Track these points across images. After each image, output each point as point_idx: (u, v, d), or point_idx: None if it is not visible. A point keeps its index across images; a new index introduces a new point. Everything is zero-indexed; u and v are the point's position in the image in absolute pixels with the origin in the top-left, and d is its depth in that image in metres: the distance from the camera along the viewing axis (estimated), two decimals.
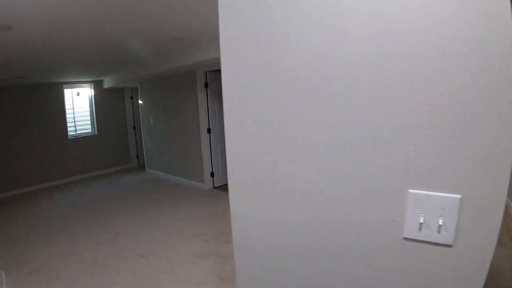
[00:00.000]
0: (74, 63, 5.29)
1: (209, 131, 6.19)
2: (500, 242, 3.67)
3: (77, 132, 7.71)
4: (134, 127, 8.64)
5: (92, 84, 7.76)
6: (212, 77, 6.05)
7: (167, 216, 5.13)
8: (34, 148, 6.94)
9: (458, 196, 0.84)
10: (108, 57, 5.05)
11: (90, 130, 7.95)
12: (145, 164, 8.20)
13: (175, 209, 5.44)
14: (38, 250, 4.17)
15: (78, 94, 7.72)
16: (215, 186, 6.50)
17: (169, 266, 3.65)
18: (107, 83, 7.61)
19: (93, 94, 7.80)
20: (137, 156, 8.85)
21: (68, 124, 7.48)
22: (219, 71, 6.01)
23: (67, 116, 7.46)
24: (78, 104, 7.74)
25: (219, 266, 3.64)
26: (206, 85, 5.97)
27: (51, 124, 7.11)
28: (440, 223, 0.86)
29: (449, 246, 0.87)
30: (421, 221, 0.88)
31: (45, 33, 3.18)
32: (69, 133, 7.51)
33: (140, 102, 7.73)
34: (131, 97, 8.46)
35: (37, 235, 4.65)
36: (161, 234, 4.47)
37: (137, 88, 8.09)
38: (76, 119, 7.69)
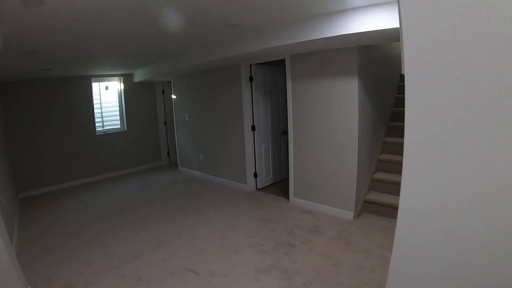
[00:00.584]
0: (107, 54, 4.83)
1: (253, 128, 5.66)
2: None
3: (105, 128, 7.27)
4: (165, 123, 8.17)
5: (121, 78, 7.32)
6: (257, 71, 5.52)
7: (211, 222, 4.63)
8: (61, 144, 6.56)
9: None
10: (146, 47, 4.58)
11: (119, 126, 7.51)
12: (178, 162, 7.73)
13: (219, 213, 4.93)
14: (70, 260, 3.73)
15: (106, 88, 7.28)
16: (258, 187, 5.97)
17: (227, 284, 3.14)
18: (138, 76, 7.15)
19: (122, 88, 7.35)
20: (168, 154, 8.39)
21: (96, 120, 7.03)
22: (265, 64, 5.47)
23: (95, 111, 7.02)
24: (106, 99, 7.29)
25: (286, 284, 3.12)
26: (251, 79, 5.43)
27: (78, 120, 6.70)
28: None
29: None
30: None
31: (80, 13, 2.71)
32: (97, 129, 7.06)
33: (173, 97, 7.25)
34: (163, 92, 7.98)
35: (66, 241, 4.22)
36: (209, 244, 3.96)
37: (169, 82, 7.61)
38: (103, 114, 7.25)
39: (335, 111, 4.42)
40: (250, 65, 5.40)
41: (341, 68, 4.23)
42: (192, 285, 3.12)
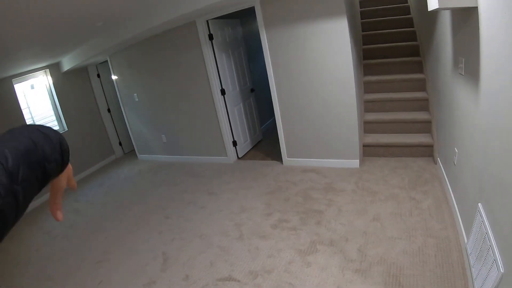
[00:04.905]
0: (21, 43, 3.80)
1: (223, 92, 4.99)
2: None
3: None
4: (108, 110, 7.15)
5: (47, 70, 6.11)
6: (215, 27, 4.74)
7: (212, 211, 3.99)
8: None
9: None
10: (65, 28, 3.65)
11: (57, 128, 6.36)
12: (136, 150, 6.86)
13: (215, 198, 4.30)
14: None
15: (32, 87, 6.09)
16: (239, 157, 5.43)
17: (276, 280, 2.64)
18: (66, 64, 6.02)
19: (51, 82, 6.18)
20: (120, 144, 7.43)
21: None
22: (224, 17, 4.74)
23: (25, 118, 5.77)
24: (35, 100, 6.08)
25: (342, 256, 2.73)
26: (210, 37, 4.68)
27: None
28: None
29: None
30: None
31: None
32: None
33: (114, 77, 6.26)
34: (98, 76, 6.89)
35: None
36: (227, 239, 3.35)
37: (103, 63, 6.57)
38: (35, 118, 6.03)
39: (325, 55, 3.93)
40: (207, 21, 4.62)
41: (327, 8, 3.70)
42: None
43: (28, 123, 5.61)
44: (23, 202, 0.47)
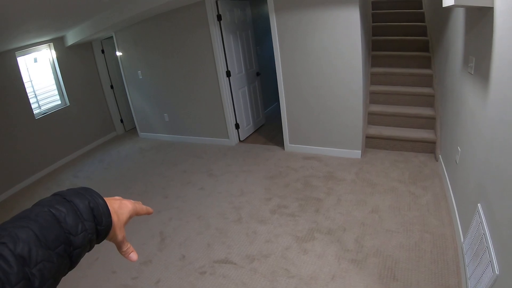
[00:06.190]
0: (26, 17, 3.75)
1: (228, 74, 4.96)
2: None
3: (42, 108, 6.01)
4: (111, 86, 7.10)
5: (51, 44, 6.03)
6: (224, 7, 4.68)
7: (212, 193, 4.02)
8: None
9: None
10: (72, 2, 3.60)
11: (59, 102, 6.31)
12: (137, 128, 6.85)
13: (215, 180, 4.32)
14: None
15: (35, 61, 6.02)
16: (241, 139, 5.44)
17: (275, 267, 2.68)
18: (71, 38, 5.95)
19: (54, 56, 6.10)
20: (122, 121, 7.41)
21: (31, 101, 5.70)
22: None
23: (27, 91, 5.63)
24: (38, 74, 6.00)
25: (339, 246, 2.78)
26: (219, 18, 4.63)
27: (9, 107, 5.33)
28: None
29: None
30: None
31: None
32: (34, 112, 5.75)
33: (118, 54, 6.21)
34: (102, 51, 6.82)
35: None
36: (225, 221, 3.38)
37: (108, 38, 6.50)
38: (36, 92, 5.94)
39: (334, 43, 3.90)
40: (216, 1, 4.56)
41: None
42: (235, 281, 2.62)
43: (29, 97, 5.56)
44: (41, 284, 0.45)
